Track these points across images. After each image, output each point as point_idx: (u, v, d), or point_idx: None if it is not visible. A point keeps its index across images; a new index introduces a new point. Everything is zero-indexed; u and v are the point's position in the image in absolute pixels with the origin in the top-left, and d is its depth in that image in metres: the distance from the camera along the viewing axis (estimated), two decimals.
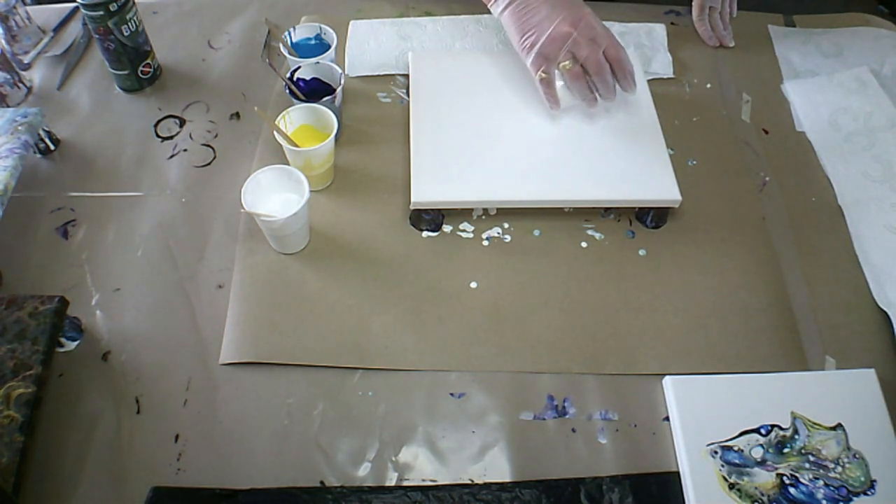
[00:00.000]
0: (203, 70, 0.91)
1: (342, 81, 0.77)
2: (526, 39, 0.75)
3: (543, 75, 0.75)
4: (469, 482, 0.59)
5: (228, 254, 0.72)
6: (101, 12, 0.78)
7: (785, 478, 0.58)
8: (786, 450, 0.59)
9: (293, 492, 0.58)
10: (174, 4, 0.99)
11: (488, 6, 0.79)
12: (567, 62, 0.74)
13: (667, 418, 0.62)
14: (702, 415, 0.61)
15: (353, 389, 0.64)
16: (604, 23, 0.95)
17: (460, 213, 0.75)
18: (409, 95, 0.82)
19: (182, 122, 0.85)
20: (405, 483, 0.59)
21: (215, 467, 0.60)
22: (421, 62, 0.84)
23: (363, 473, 0.60)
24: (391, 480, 0.59)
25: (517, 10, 0.75)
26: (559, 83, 0.76)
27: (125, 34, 0.81)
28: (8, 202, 0.69)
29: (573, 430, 0.62)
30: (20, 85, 0.86)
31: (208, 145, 0.82)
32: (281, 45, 0.82)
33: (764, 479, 0.58)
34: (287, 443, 0.61)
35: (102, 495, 0.58)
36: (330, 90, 0.79)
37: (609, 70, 0.75)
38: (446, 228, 0.74)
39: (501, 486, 0.58)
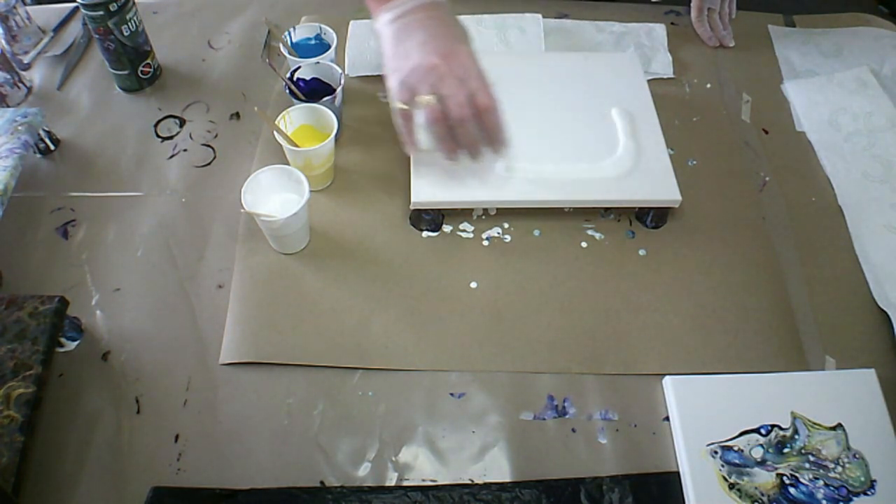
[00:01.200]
0: (203, 70, 0.91)
1: (342, 81, 0.77)
2: (393, 63, 0.67)
3: (403, 107, 0.66)
4: (469, 482, 0.59)
5: (228, 254, 0.72)
6: (101, 12, 0.78)
7: (785, 478, 0.58)
8: (786, 450, 0.59)
9: (293, 492, 0.58)
10: (174, 4, 0.99)
11: (372, 14, 0.70)
12: (428, 97, 0.64)
13: (667, 418, 0.62)
14: (702, 415, 0.61)
15: (353, 389, 0.64)
16: (600, 23, 0.93)
17: (460, 213, 0.75)
18: None
19: (182, 122, 0.85)
20: (405, 483, 0.59)
21: (215, 467, 0.60)
22: None
23: (363, 473, 0.60)
24: (391, 480, 0.59)
25: (396, 30, 0.67)
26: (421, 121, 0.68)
27: (125, 34, 0.81)
28: (8, 202, 0.70)
29: (573, 430, 0.62)
30: (20, 85, 0.86)
31: (208, 145, 0.82)
32: (281, 45, 0.82)
33: (764, 479, 0.58)
34: (287, 443, 0.61)
35: (102, 495, 0.58)
36: (330, 90, 0.79)
37: (472, 119, 0.65)
38: (446, 228, 0.74)
39: (501, 486, 0.58)
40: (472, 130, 0.66)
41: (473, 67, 0.66)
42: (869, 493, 0.57)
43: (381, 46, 0.68)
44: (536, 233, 0.74)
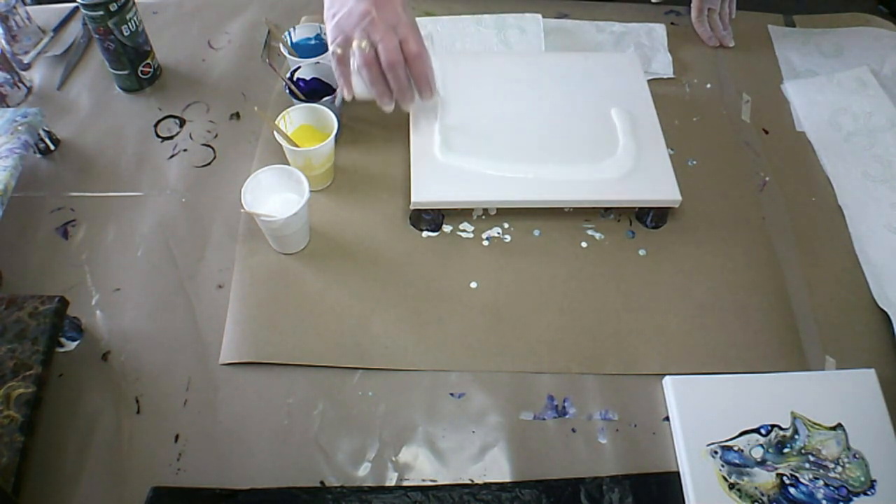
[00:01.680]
0: (203, 70, 0.91)
1: None
2: (331, 9, 0.71)
3: (337, 50, 0.70)
4: (469, 482, 0.59)
5: (228, 254, 0.72)
6: (101, 12, 0.78)
7: (785, 478, 0.58)
8: (786, 450, 0.59)
9: (293, 492, 0.58)
10: (174, 4, 0.99)
11: None
12: (361, 42, 0.68)
13: (667, 418, 0.62)
14: (702, 415, 0.61)
15: (353, 389, 0.64)
16: (600, 23, 0.94)
17: (460, 213, 0.75)
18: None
19: (182, 122, 0.85)
20: (405, 483, 0.59)
21: (215, 467, 0.60)
22: None
23: (363, 473, 0.60)
24: (391, 480, 0.59)
25: None
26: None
27: (125, 34, 0.81)
28: (8, 202, 0.70)
29: (573, 430, 0.62)
30: (20, 85, 0.86)
31: (208, 145, 0.82)
32: (281, 45, 0.82)
33: (764, 479, 0.58)
34: (287, 443, 0.61)
35: (102, 495, 0.58)
36: (330, 90, 0.79)
37: (403, 65, 0.69)
38: (446, 228, 0.74)
39: (501, 486, 0.58)
40: (402, 76, 0.70)
41: (404, 16, 0.69)
42: (869, 493, 0.57)
43: None
44: (536, 233, 0.74)
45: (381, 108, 0.73)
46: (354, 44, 0.69)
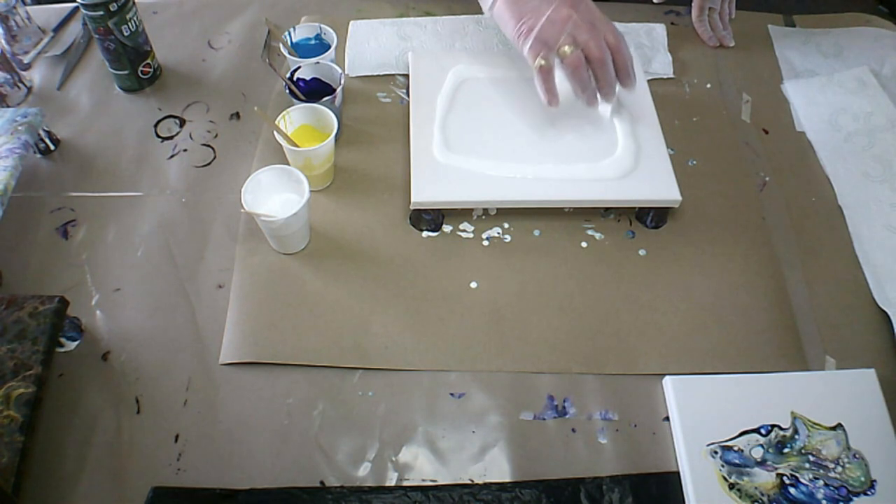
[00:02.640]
0: (203, 70, 0.91)
1: (342, 81, 0.77)
2: (522, 25, 0.70)
3: (542, 62, 0.69)
4: (469, 482, 0.59)
5: (228, 254, 0.72)
6: (101, 12, 0.78)
7: (785, 478, 0.58)
8: (786, 450, 0.59)
9: (293, 492, 0.58)
10: (174, 4, 0.99)
11: (481, 3, 0.76)
12: (567, 47, 0.68)
13: (667, 418, 0.62)
14: (702, 415, 0.61)
15: (353, 389, 0.64)
16: None
17: (460, 213, 0.75)
18: (409, 95, 0.82)
19: (182, 122, 0.85)
20: (405, 483, 0.59)
21: (215, 467, 0.60)
22: (421, 62, 0.84)
23: (363, 473, 0.60)
24: (391, 480, 0.59)
25: None
26: (557, 75, 0.71)
27: (125, 34, 0.81)
28: (8, 202, 0.69)
29: (573, 430, 0.62)
30: (20, 85, 0.86)
31: (208, 145, 0.82)
32: (281, 45, 0.82)
33: (764, 479, 0.58)
34: (287, 443, 0.61)
35: (102, 495, 0.58)
36: (330, 90, 0.79)
37: (611, 59, 0.70)
38: (446, 228, 0.74)
39: (501, 486, 0.58)
40: (610, 70, 0.70)
41: (597, 10, 0.70)
42: (869, 493, 0.57)
43: (500, 23, 0.72)
44: (536, 233, 0.74)
45: (588, 106, 0.73)
46: (561, 51, 0.68)
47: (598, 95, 0.73)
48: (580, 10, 0.68)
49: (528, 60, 0.71)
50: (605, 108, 0.77)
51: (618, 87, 0.73)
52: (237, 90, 0.88)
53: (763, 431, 0.60)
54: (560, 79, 0.72)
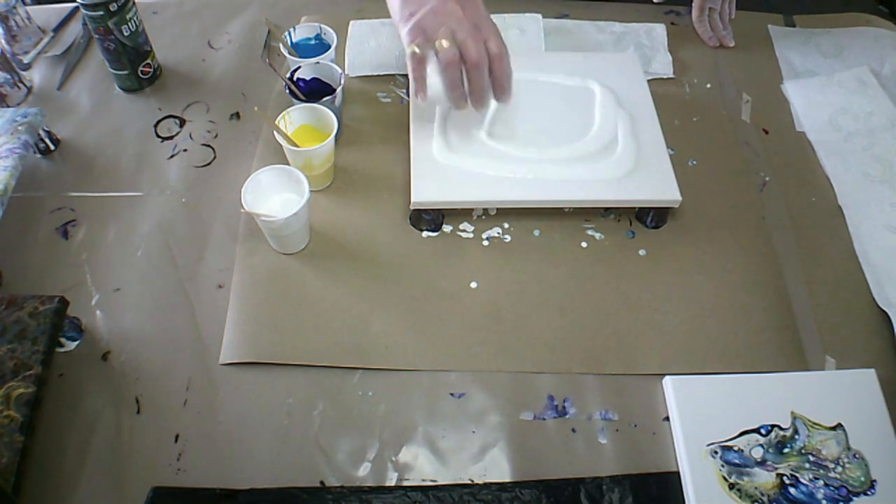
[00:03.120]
0: (203, 70, 0.91)
1: (342, 81, 0.77)
2: (406, 8, 0.68)
3: (416, 50, 0.67)
4: (469, 482, 0.59)
5: (228, 254, 0.72)
6: (101, 12, 0.78)
7: (785, 478, 0.58)
8: (786, 450, 0.59)
9: (293, 492, 0.58)
10: (174, 4, 0.99)
11: None
12: (444, 41, 0.66)
13: (667, 418, 0.62)
14: (702, 415, 0.61)
15: (353, 389, 0.64)
16: (600, 23, 0.95)
17: (460, 213, 0.75)
18: (409, 95, 0.82)
19: (182, 122, 0.85)
20: (405, 483, 0.59)
21: (215, 467, 0.60)
22: None
23: (363, 473, 0.60)
24: (391, 480, 0.59)
25: None
26: (431, 69, 0.69)
27: (125, 34, 0.81)
28: (8, 202, 0.69)
29: (573, 430, 0.62)
30: (20, 85, 0.86)
31: (208, 145, 0.82)
32: (281, 45, 0.82)
33: (764, 479, 0.58)
34: (287, 443, 0.61)
35: (102, 495, 0.58)
36: (330, 90, 0.79)
37: (487, 66, 0.67)
38: (446, 228, 0.74)
39: (501, 486, 0.58)
40: (485, 77, 0.68)
41: (486, 15, 0.67)
42: (869, 493, 0.57)
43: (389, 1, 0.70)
44: (536, 233, 0.74)
45: (455, 108, 0.71)
46: (438, 43, 0.66)
47: (469, 101, 0.71)
48: (467, 9, 0.66)
49: (404, 45, 0.69)
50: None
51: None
52: (237, 90, 0.88)
53: (763, 431, 0.60)
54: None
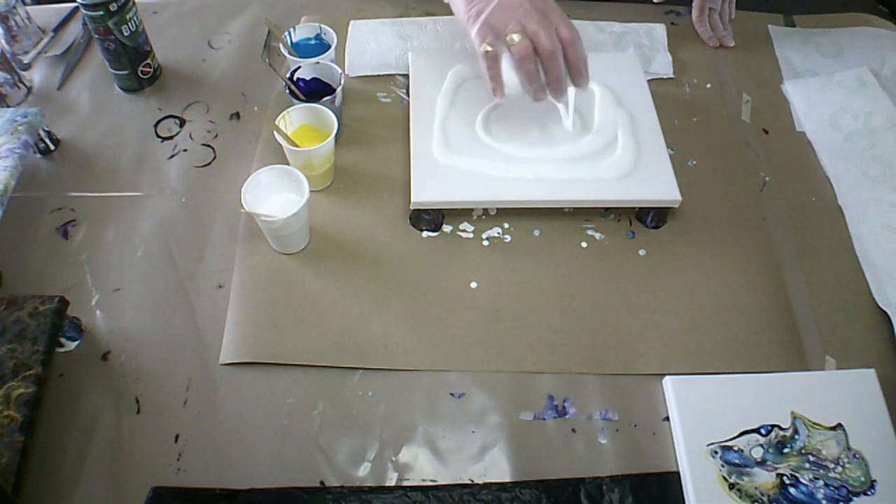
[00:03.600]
0: (203, 70, 0.91)
1: (342, 81, 0.77)
2: (472, 8, 0.67)
3: (488, 48, 0.66)
4: (469, 482, 0.59)
5: (228, 254, 0.72)
6: (101, 12, 0.78)
7: (785, 478, 0.58)
8: (786, 450, 0.59)
9: (293, 492, 0.58)
10: (174, 4, 0.99)
11: None
12: (515, 35, 0.65)
13: (667, 418, 0.62)
14: (702, 415, 0.61)
15: (353, 389, 0.64)
16: (600, 22, 0.95)
17: (460, 213, 0.75)
18: (409, 95, 0.82)
19: (182, 122, 0.85)
20: (405, 483, 0.59)
21: (215, 467, 0.60)
22: (421, 62, 0.84)
23: (363, 473, 0.60)
24: (391, 480, 0.59)
25: None
26: (505, 65, 0.69)
27: (125, 34, 0.81)
28: (8, 202, 0.69)
29: (573, 430, 0.62)
30: (20, 85, 0.86)
31: (208, 145, 0.82)
32: (281, 45, 0.82)
33: (764, 479, 0.58)
34: (287, 443, 0.61)
35: (102, 495, 0.58)
36: (330, 90, 0.79)
37: (561, 53, 0.66)
38: (446, 228, 0.74)
39: (501, 486, 0.58)
40: (560, 64, 0.66)
41: (552, 1, 0.66)
42: (869, 493, 0.57)
43: (452, 3, 0.69)
44: (536, 233, 0.74)
45: (534, 101, 0.70)
46: (509, 38, 0.65)
47: (548, 91, 0.70)
48: (533, 0, 0.66)
49: (475, 45, 0.68)
50: (567, 121, 0.76)
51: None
52: (237, 90, 0.88)
53: (763, 431, 0.60)
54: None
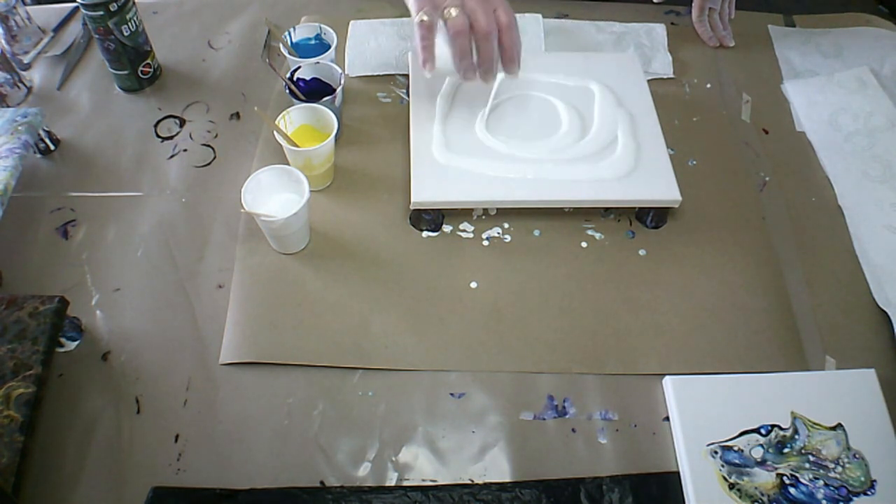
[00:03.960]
0: (203, 70, 0.91)
1: (342, 81, 0.77)
2: None
3: (424, 18, 0.65)
4: (469, 482, 0.59)
5: (228, 254, 0.72)
6: (101, 12, 0.78)
7: (785, 478, 0.58)
8: (786, 450, 0.59)
9: (293, 492, 0.58)
10: (174, 4, 0.99)
11: None
12: (453, 9, 0.65)
13: (667, 418, 0.62)
14: (702, 415, 0.61)
15: (353, 389, 0.64)
16: (600, 23, 0.95)
17: (460, 213, 0.75)
18: (409, 95, 0.82)
19: (182, 122, 0.85)
20: (405, 483, 0.59)
21: (215, 467, 0.60)
22: None
23: (363, 473, 0.60)
24: (391, 480, 0.59)
25: None
26: (439, 40, 0.68)
27: (125, 34, 0.81)
28: (8, 202, 0.69)
29: (573, 430, 0.62)
30: (20, 85, 0.86)
31: (208, 145, 0.82)
32: (281, 45, 0.82)
33: (764, 479, 0.58)
34: (287, 443, 0.61)
35: (102, 495, 0.58)
36: (330, 90, 0.79)
37: (496, 36, 0.66)
38: (446, 228, 0.74)
39: (501, 486, 0.58)
40: (494, 47, 0.66)
41: None
42: (869, 493, 0.57)
43: None
44: (536, 233, 0.74)
45: (463, 81, 0.70)
46: (446, 11, 0.65)
47: (477, 73, 0.70)
48: None
49: (412, 13, 0.67)
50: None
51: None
52: (237, 90, 0.88)
53: (763, 431, 0.60)
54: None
